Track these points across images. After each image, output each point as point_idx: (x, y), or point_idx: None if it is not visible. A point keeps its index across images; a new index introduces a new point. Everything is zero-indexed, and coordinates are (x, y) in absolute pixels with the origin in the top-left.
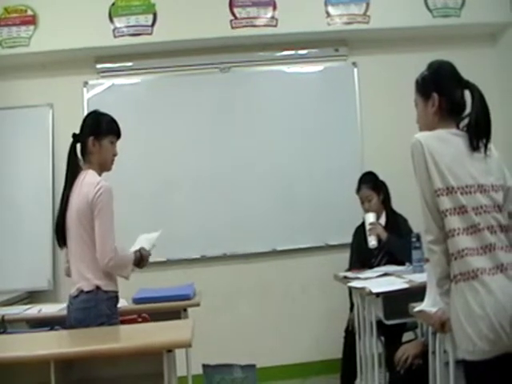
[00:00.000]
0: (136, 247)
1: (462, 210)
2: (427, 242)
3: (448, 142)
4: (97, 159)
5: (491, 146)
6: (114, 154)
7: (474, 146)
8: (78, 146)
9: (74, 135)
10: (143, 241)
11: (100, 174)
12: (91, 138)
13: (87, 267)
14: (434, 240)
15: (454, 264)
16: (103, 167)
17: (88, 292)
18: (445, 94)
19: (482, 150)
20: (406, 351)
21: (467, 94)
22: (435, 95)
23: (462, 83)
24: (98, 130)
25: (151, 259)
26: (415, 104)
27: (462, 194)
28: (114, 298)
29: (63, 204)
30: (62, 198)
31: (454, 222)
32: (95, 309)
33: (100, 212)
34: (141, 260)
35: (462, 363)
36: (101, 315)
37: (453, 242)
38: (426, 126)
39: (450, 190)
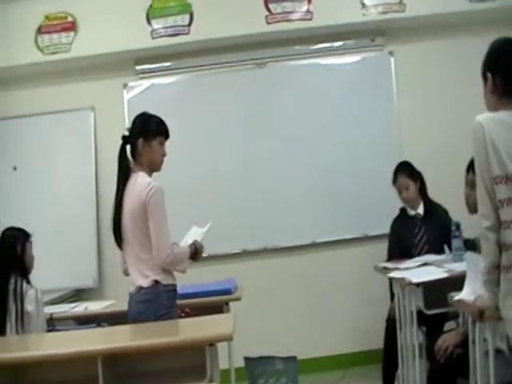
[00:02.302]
0: (188, 240)
1: None
2: (483, 227)
3: (510, 126)
4: (147, 160)
5: None
6: (164, 155)
7: None
8: (128, 147)
9: (124, 137)
10: (196, 234)
11: (150, 175)
12: (141, 140)
13: (146, 266)
14: (490, 226)
15: (504, 255)
16: (153, 168)
17: (148, 287)
18: (498, 73)
19: None
20: (446, 341)
21: None
22: (488, 75)
23: None
24: (147, 131)
25: None
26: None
27: None
28: (173, 290)
29: (117, 206)
30: (115, 200)
31: (509, 213)
32: (155, 302)
33: (153, 212)
34: (196, 253)
35: (501, 352)
36: (161, 308)
37: (506, 233)
38: (487, 106)
39: (509, 178)
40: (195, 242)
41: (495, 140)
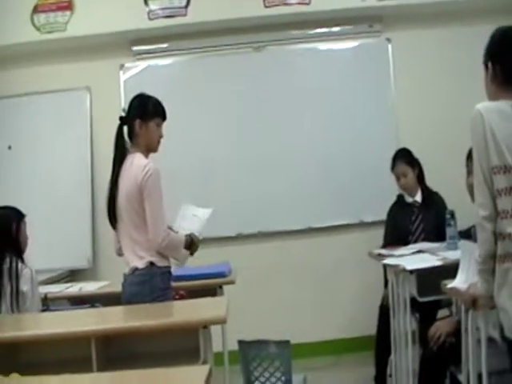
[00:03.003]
0: (182, 223)
1: None
2: (480, 217)
3: (509, 116)
4: (144, 141)
5: None
6: (160, 136)
7: None
8: (125, 128)
9: (121, 118)
10: (194, 221)
11: (147, 156)
12: (138, 121)
13: (141, 247)
14: (487, 216)
15: (500, 244)
16: (150, 149)
17: (142, 268)
18: (498, 62)
19: None
20: (439, 329)
21: None
22: (489, 63)
23: None
24: (145, 112)
25: None
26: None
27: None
28: (167, 272)
29: (113, 186)
30: (111, 180)
31: (507, 203)
32: (150, 283)
33: (149, 194)
34: (192, 244)
35: (494, 341)
36: (155, 289)
37: (503, 223)
38: (488, 95)
39: (507, 169)
40: (192, 234)
41: (494, 130)
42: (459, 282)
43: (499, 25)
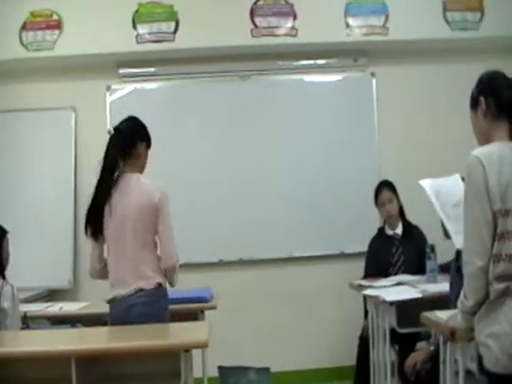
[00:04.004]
0: None
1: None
2: (476, 267)
3: (505, 158)
4: (141, 164)
5: None
6: None
7: None
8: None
9: (118, 130)
10: None
11: None
12: (144, 144)
13: (149, 267)
14: (483, 266)
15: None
16: (142, 172)
17: (151, 289)
18: (491, 95)
19: None
20: (414, 358)
21: None
22: (481, 98)
23: (509, 80)
24: (149, 138)
25: None
26: (472, 123)
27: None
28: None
29: (103, 198)
30: (100, 192)
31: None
32: (158, 304)
33: (166, 215)
34: None
35: (471, 373)
36: (162, 310)
37: (509, 265)
38: (480, 134)
39: (506, 212)
40: None
41: (496, 175)
42: (454, 234)
43: (481, 64)
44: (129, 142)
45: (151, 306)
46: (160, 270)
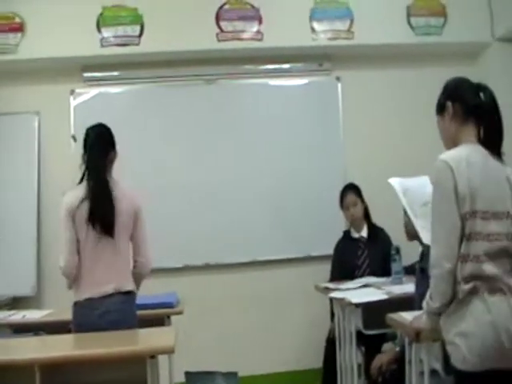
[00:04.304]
0: None
1: (480, 236)
2: (445, 269)
3: (473, 161)
4: (111, 170)
5: (510, 172)
6: None
7: (491, 161)
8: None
9: (106, 128)
10: None
11: None
12: (116, 151)
13: (127, 272)
14: (451, 269)
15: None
16: None
17: (125, 293)
18: (457, 100)
19: (500, 164)
20: (380, 359)
21: None
22: (448, 103)
23: (474, 86)
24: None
25: None
26: (439, 129)
27: (481, 218)
28: None
29: (108, 193)
30: (101, 185)
31: (479, 246)
32: (132, 311)
33: (143, 221)
34: None
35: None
36: (135, 316)
37: (477, 265)
38: (447, 139)
39: (474, 214)
40: None
41: (465, 178)
42: (421, 230)
43: (445, 68)
44: (110, 147)
45: (125, 313)
46: (131, 275)
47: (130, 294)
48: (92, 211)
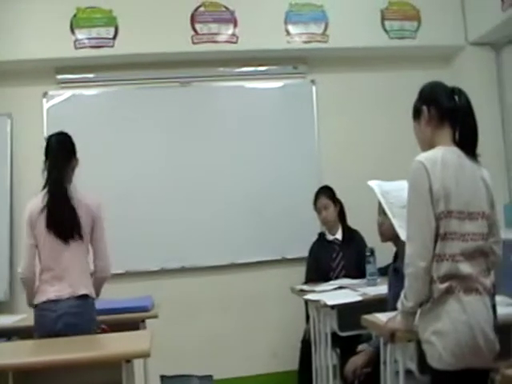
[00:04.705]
0: None
1: (455, 236)
2: (420, 267)
3: (448, 162)
4: (72, 178)
5: (485, 173)
6: None
7: (466, 162)
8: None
9: (67, 135)
10: None
11: None
12: (77, 159)
13: (85, 272)
14: (426, 267)
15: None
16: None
17: (80, 297)
18: (432, 103)
19: (475, 165)
20: (354, 363)
21: None
22: (424, 108)
23: (448, 90)
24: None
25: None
26: (415, 133)
27: (456, 218)
28: None
29: (63, 198)
30: (59, 191)
31: (455, 246)
32: (88, 314)
33: (102, 225)
34: None
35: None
36: (92, 320)
37: (452, 264)
38: (424, 142)
39: (449, 214)
40: None
41: (438, 179)
42: (399, 228)
43: (419, 71)
44: (71, 154)
45: (81, 316)
46: (89, 279)
47: (85, 298)
48: (50, 219)
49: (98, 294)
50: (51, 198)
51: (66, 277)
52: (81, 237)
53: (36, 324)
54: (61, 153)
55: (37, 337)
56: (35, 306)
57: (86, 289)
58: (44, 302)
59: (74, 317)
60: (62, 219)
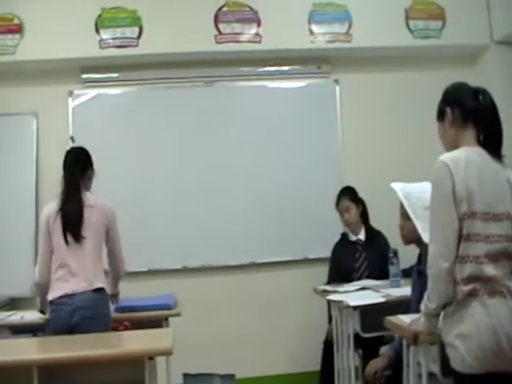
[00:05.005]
0: None
1: (479, 237)
2: (443, 268)
3: (472, 162)
4: (90, 186)
5: (510, 174)
6: None
7: (490, 163)
8: None
9: (84, 150)
10: None
11: None
12: (94, 170)
13: (99, 269)
14: (448, 268)
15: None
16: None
17: (96, 290)
18: (455, 105)
19: (500, 165)
20: (373, 366)
21: None
22: (447, 109)
23: (472, 90)
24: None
25: (134, 269)
26: (439, 134)
27: (481, 219)
28: None
29: (78, 200)
30: (75, 196)
31: (479, 247)
32: (103, 308)
33: (117, 228)
34: None
35: (434, 376)
36: (107, 315)
37: (476, 266)
38: (448, 143)
39: (473, 215)
40: None
41: (463, 179)
42: (422, 231)
43: (443, 71)
44: (87, 166)
45: (97, 310)
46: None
47: (100, 292)
48: (64, 219)
49: (115, 291)
50: (66, 200)
51: (81, 273)
52: (93, 236)
53: (51, 319)
54: (76, 164)
55: (51, 332)
56: (50, 303)
57: (102, 283)
58: (60, 297)
59: (89, 310)
60: (75, 219)
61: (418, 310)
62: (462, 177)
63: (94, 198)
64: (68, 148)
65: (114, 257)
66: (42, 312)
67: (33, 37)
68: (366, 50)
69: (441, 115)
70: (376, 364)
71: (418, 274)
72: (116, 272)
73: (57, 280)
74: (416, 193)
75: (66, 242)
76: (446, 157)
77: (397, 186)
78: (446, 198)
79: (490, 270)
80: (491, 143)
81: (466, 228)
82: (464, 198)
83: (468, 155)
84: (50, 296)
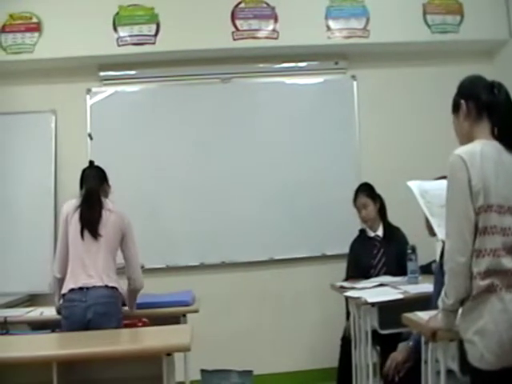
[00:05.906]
0: None
1: (496, 230)
2: (460, 263)
3: (487, 155)
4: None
5: None
6: None
7: (505, 156)
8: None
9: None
10: None
11: None
12: (110, 186)
13: (112, 269)
14: (465, 262)
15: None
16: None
17: (109, 287)
18: (470, 98)
19: None
20: (394, 359)
21: None
22: (462, 102)
23: (488, 83)
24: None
25: (152, 265)
26: (454, 127)
27: (496, 212)
28: None
29: (98, 200)
30: (92, 198)
31: (496, 240)
32: (116, 305)
33: (133, 234)
34: None
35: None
36: (120, 312)
37: (494, 259)
38: (462, 136)
39: (489, 208)
40: None
41: (478, 172)
42: (437, 227)
43: (461, 66)
44: (102, 181)
45: (110, 306)
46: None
47: (114, 290)
48: (82, 215)
49: (131, 306)
50: (86, 198)
51: (94, 269)
52: (109, 237)
53: (65, 315)
54: (94, 177)
55: (66, 329)
56: (63, 296)
57: (115, 282)
58: (71, 290)
59: (103, 306)
60: (94, 216)
61: (437, 306)
62: (477, 170)
63: (112, 204)
64: (84, 167)
65: (130, 263)
66: (59, 312)
67: (51, 35)
68: (383, 46)
69: (455, 108)
70: (396, 356)
71: (440, 269)
72: (134, 287)
73: (70, 273)
74: (433, 190)
75: (82, 237)
76: (461, 150)
77: (413, 184)
78: (461, 191)
79: (508, 262)
80: (506, 137)
81: (482, 221)
82: (480, 190)
83: (483, 148)
84: (63, 289)
